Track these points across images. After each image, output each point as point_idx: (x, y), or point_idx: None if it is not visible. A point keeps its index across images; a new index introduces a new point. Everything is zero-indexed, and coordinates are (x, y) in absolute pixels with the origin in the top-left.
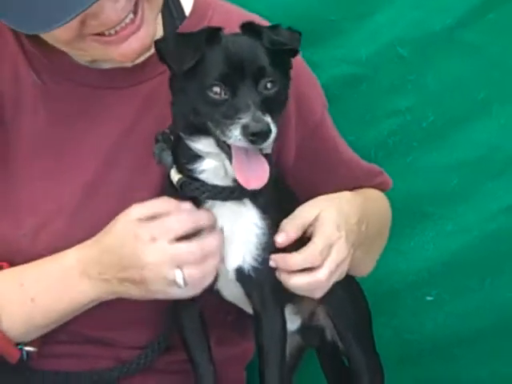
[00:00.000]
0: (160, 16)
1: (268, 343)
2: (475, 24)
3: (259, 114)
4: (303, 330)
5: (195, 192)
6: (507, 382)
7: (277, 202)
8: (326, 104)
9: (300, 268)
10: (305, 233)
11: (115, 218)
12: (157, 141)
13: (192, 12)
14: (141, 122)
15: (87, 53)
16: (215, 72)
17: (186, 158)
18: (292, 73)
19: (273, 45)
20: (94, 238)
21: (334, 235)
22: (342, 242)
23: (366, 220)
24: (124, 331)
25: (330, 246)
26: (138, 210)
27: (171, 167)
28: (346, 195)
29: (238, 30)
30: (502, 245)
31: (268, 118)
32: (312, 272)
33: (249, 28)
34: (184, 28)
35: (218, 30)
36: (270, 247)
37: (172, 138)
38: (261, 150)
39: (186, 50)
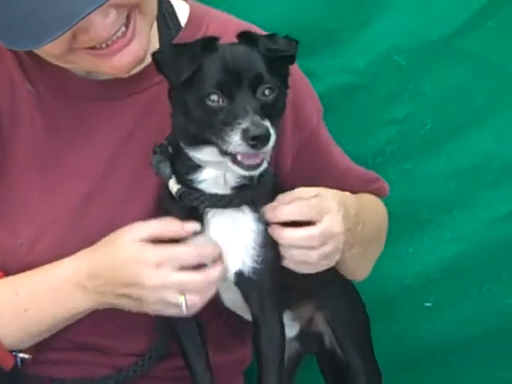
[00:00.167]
0: (156, 27)
1: (266, 348)
2: (472, 32)
3: (258, 118)
4: (302, 336)
5: (195, 202)
6: None
7: None
8: (322, 112)
9: (287, 218)
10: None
11: (118, 234)
12: (154, 152)
13: (188, 22)
14: (138, 132)
15: (79, 66)
16: (212, 80)
17: (185, 169)
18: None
19: (269, 52)
20: (91, 249)
21: (332, 207)
22: (338, 215)
23: (363, 220)
24: (120, 338)
25: (325, 211)
26: (143, 229)
27: (169, 178)
28: (346, 193)
29: (234, 40)
30: (499, 252)
31: (267, 123)
32: (305, 227)
33: (245, 37)
34: (180, 39)
35: (214, 39)
36: (267, 245)
37: (170, 149)
38: None
39: (182, 61)
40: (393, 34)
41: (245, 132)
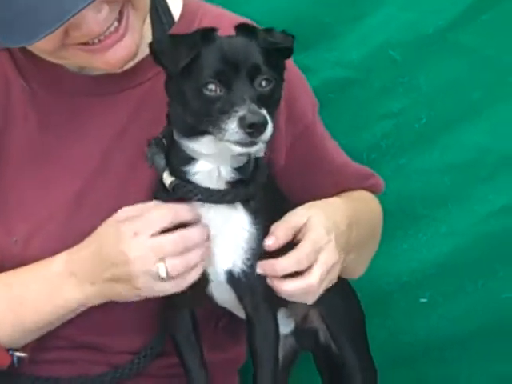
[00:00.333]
0: (149, 22)
1: (261, 346)
2: (467, 26)
3: (255, 106)
4: (297, 332)
5: (188, 194)
6: (500, 383)
7: (268, 206)
8: (317, 107)
9: (287, 272)
10: (294, 238)
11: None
12: (149, 145)
13: (181, 17)
14: (132, 128)
15: (72, 61)
16: (210, 70)
17: (179, 161)
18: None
19: (267, 44)
20: (82, 243)
21: (322, 239)
22: (331, 246)
23: (357, 223)
24: (116, 336)
25: (319, 250)
26: (123, 211)
27: (164, 170)
28: (336, 201)
29: (229, 34)
30: (494, 246)
31: (264, 111)
32: (303, 277)
33: (243, 29)
34: (173, 32)
35: (212, 30)
36: (259, 252)
37: (165, 142)
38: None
39: (181, 49)
40: (387, 27)
41: (241, 119)
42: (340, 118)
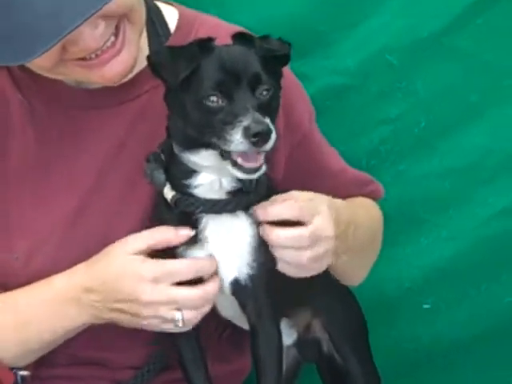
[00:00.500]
0: (145, 34)
1: (264, 356)
2: (463, 29)
3: (259, 115)
4: (299, 343)
5: (190, 207)
6: None
7: None
8: (313, 114)
9: (279, 217)
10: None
11: (112, 247)
12: (148, 161)
13: (177, 28)
14: (130, 141)
15: (70, 77)
16: (211, 81)
17: (180, 174)
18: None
19: (266, 52)
20: (86, 263)
21: (320, 205)
22: (327, 215)
23: (355, 224)
24: (119, 352)
25: (314, 213)
26: (137, 241)
27: (164, 185)
28: (338, 200)
29: (226, 43)
30: (496, 250)
31: (267, 120)
32: (295, 227)
33: (240, 37)
34: (170, 44)
35: (210, 40)
36: (262, 249)
37: (163, 157)
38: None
39: (180, 62)
40: (384, 33)
41: (246, 129)
42: (338, 125)
